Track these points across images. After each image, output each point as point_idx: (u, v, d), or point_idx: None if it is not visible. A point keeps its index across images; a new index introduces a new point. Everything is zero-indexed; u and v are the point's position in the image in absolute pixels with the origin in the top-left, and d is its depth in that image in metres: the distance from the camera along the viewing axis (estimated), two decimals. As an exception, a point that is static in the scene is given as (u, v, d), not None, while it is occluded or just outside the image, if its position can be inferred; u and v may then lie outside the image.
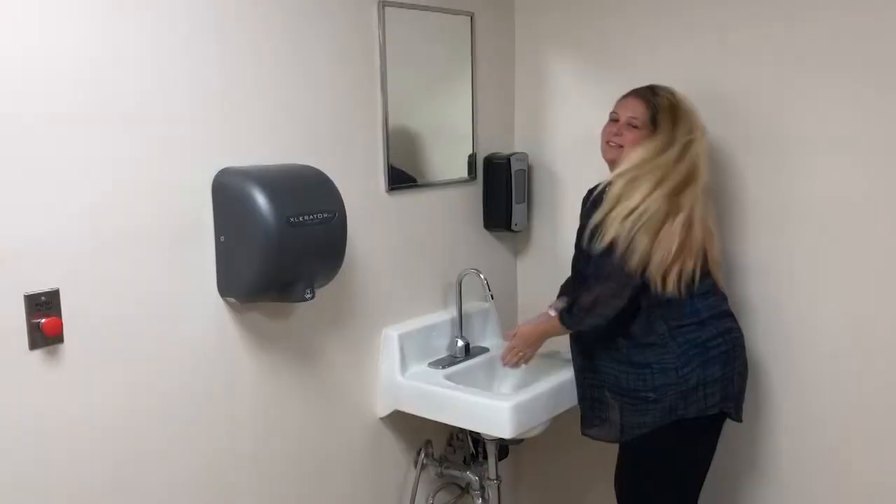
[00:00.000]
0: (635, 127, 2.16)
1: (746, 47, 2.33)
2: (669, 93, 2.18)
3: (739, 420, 2.23)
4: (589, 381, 2.25)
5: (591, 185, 2.19)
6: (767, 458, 2.47)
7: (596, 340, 2.21)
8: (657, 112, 2.14)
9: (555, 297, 2.42)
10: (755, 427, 2.45)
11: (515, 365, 2.41)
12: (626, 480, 2.31)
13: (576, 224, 2.23)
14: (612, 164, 2.22)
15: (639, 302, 2.13)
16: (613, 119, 2.23)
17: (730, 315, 2.23)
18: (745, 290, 2.41)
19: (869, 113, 2.16)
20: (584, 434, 2.28)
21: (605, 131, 2.24)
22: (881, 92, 2.13)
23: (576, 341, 2.30)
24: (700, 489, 2.31)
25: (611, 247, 2.06)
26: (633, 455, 2.25)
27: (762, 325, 2.39)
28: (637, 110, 2.16)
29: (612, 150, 2.21)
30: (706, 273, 2.18)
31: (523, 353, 2.38)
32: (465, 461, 2.68)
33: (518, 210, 2.73)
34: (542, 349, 2.57)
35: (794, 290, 2.34)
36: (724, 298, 2.24)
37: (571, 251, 2.35)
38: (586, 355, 2.26)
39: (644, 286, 2.09)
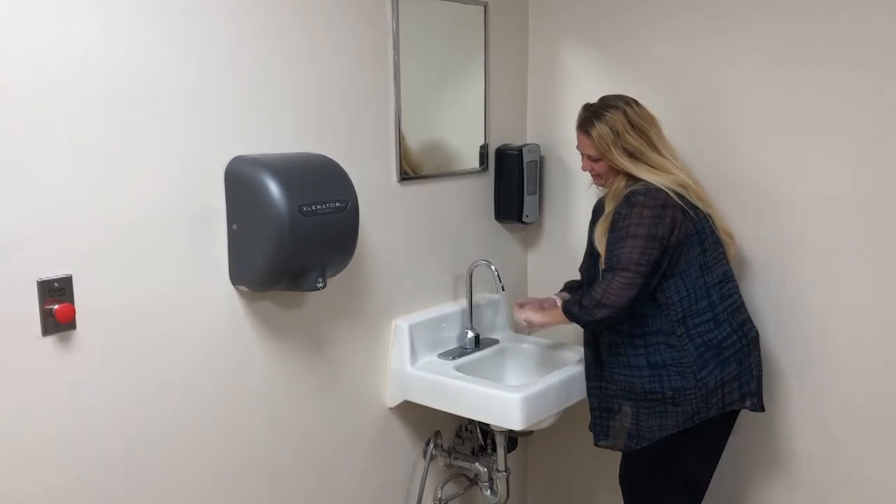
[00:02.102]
0: (598, 158, 2.22)
1: (759, 42, 2.30)
2: (603, 110, 2.19)
3: (762, 410, 2.22)
4: (601, 391, 2.24)
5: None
6: (779, 454, 2.46)
7: (607, 346, 2.20)
8: (601, 139, 2.18)
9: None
10: (766, 422, 2.45)
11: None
12: (634, 477, 2.31)
13: (587, 216, 2.30)
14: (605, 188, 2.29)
15: (654, 296, 2.12)
16: (581, 153, 2.29)
17: (743, 307, 2.23)
18: (752, 285, 2.40)
19: (879, 108, 2.14)
20: (597, 445, 2.26)
21: (582, 165, 2.31)
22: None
23: (588, 346, 2.28)
24: (709, 484, 2.31)
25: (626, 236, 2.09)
26: (643, 453, 2.21)
27: (774, 321, 2.38)
28: (586, 147, 2.24)
29: (596, 179, 2.29)
30: (720, 255, 2.18)
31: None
32: (473, 452, 2.68)
33: (529, 202, 2.72)
34: (551, 340, 2.57)
35: (804, 286, 2.33)
36: (737, 287, 2.23)
37: (582, 243, 2.35)
38: (597, 363, 2.25)
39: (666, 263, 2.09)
